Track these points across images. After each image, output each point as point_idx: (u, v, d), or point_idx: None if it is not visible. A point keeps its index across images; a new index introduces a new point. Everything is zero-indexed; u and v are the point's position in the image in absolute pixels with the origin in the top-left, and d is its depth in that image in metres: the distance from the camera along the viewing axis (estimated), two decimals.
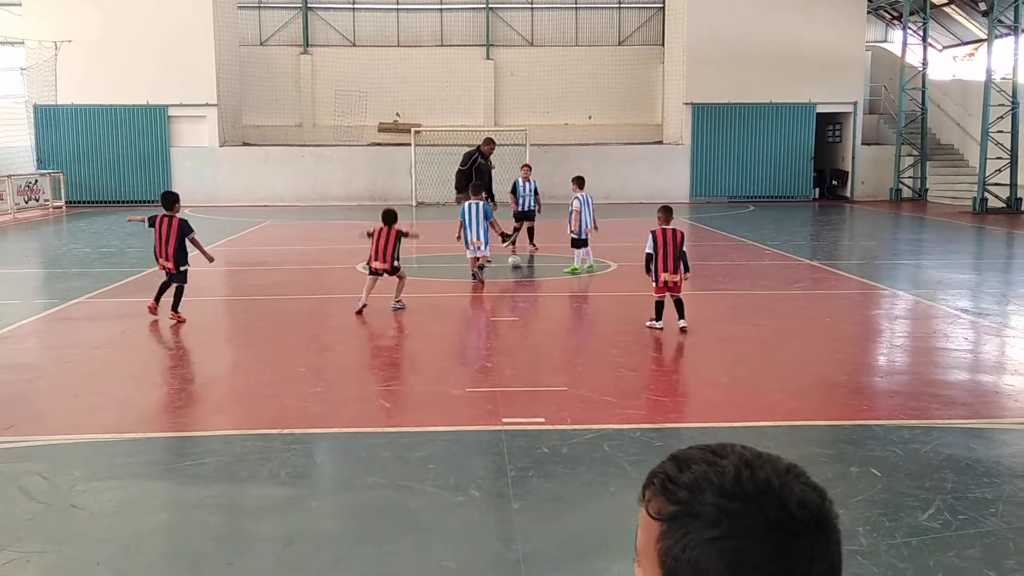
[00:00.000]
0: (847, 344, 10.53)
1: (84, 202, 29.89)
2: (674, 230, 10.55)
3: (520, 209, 17.29)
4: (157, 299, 11.68)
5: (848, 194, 32.73)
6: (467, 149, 17.44)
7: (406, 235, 12.35)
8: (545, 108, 33.78)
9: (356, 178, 31.08)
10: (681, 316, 10.48)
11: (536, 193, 17.59)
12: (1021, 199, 27.29)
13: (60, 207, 29.32)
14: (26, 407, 7.93)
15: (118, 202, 29.63)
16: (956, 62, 34.01)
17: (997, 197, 27.61)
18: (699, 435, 7.29)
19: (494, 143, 17.15)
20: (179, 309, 11.45)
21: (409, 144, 30.14)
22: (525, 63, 34.66)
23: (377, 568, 4.88)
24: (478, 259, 14.13)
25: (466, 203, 14.32)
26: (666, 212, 10.78)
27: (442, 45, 34.94)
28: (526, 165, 18.53)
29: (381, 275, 12.08)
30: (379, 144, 32.64)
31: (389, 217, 12.27)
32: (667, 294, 10.60)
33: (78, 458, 6.68)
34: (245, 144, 32.59)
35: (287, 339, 10.68)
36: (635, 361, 9.71)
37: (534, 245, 17.63)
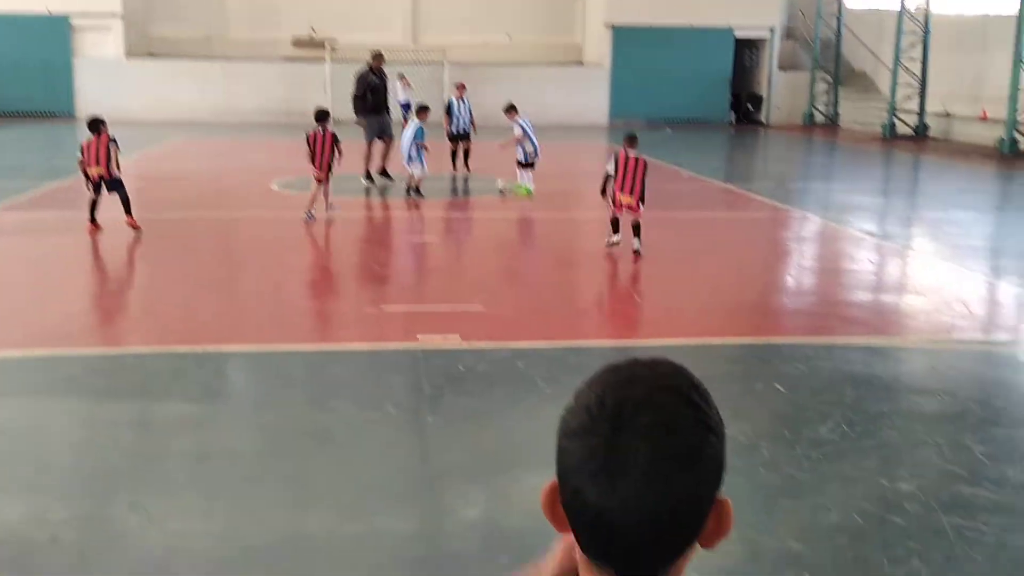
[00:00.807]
0: (757, 265, 10.77)
1: None
2: (637, 158, 10.53)
3: (454, 131, 16.99)
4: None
5: (763, 119, 33.13)
6: (359, 69, 16.78)
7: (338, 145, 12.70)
8: (464, 26, 33.21)
9: (269, 94, 30.26)
10: (637, 236, 10.43)
11: (471, 113, 17.30)
12: (928, 126, 27.99)
13: None
14: None
15: (17, 114, 28.43)
16: None
17: (906, 124, 28.26)
18: (612, 352, 7.42)
19: (382, 56, 16.69)
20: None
21: (324, 60, 29.43)
22: None
23: (292, 483, 4.91)
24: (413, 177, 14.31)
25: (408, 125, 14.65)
26: (632, 140, 10.90)
27: None
28: (460, 84, 18.13)
29: (322, 183, 12.41)
30: (293, 59, 31.78)
31: (322, 115, 12.72)
32: (623, 213, 10.59)
33: None
34: (152, 56, 31.42)
35: (199, 256, 10.49)
36: (552, 281, 9.79)
37: (468, 167, 17.28)
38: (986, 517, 4.59)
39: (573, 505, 1.12)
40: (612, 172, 10.61)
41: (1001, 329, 8.21)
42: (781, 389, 6.44)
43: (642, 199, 10.42)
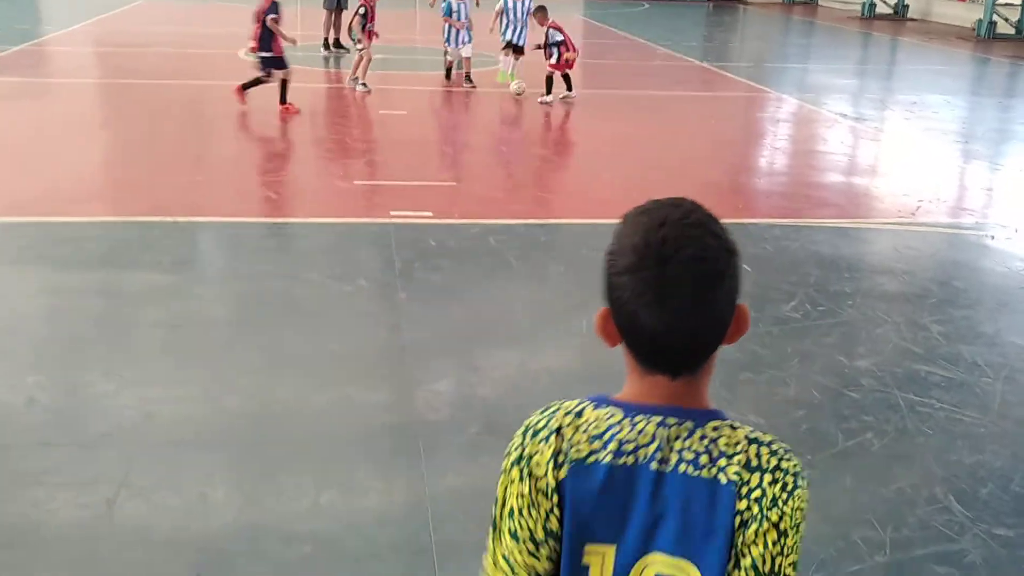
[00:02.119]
0: (729, 145, 10.77)
1: None
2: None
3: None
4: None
5: None
6: None
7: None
8: None
9: None
10: (570, 88, 12.29)
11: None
12: (908, 6, 27.63)
13: None
14: None
15: None
16: None
17: (886, 3, 27.87)
18: (582, 230, 7.48)
19: None
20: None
21: None
22: None
23: (265, 351, 4.98)
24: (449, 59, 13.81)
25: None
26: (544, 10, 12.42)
27: None
28: None
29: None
30: None
31: None
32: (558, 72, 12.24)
33: None
34: None
35: (166, 127, 10.31)
36: (523, 159, 9.75)
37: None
38: (939, 394, 4.76)
39: (629, 328, 1.35)
40: (562, 37, 12.25)
41: (967, 212, 8.33)
42: (748, 269, 6.54)
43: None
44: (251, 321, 5.42)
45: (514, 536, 1.39)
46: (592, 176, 9.06)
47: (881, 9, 27.79)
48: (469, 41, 13.08)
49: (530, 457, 1.40)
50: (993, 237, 7.57)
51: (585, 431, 1.38)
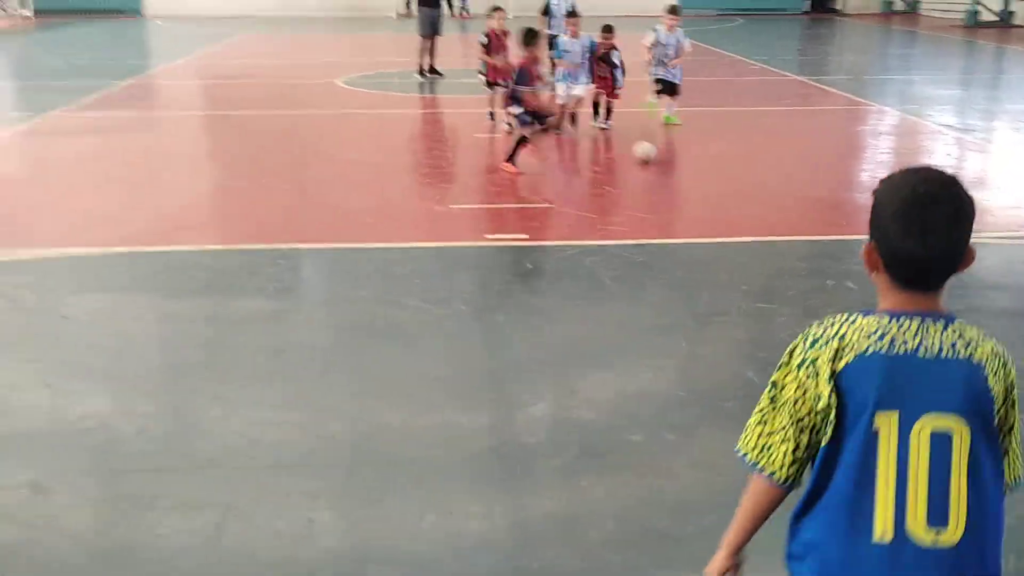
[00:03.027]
0: (830, 160, 10.55)
1: (53, 11, 28.83)
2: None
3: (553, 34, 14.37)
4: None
5: (839, 7, 31.93)
6: None
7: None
8: None
9: None
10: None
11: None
12: (1013, 12, 26.72)
13: (29, 17, 28.32)
14: (9, 222, 7.94)
15: (87, 11, 28.62)
16: None
17: (990, 10, 27.01)
18: (680, 250, 7.41)
19: None
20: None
21: None
22: None
23: (365, 376, 5.04)
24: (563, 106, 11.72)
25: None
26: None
27: None
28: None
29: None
30: None
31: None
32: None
33: (66, 272, 6.74)
34: None
35: (269, 155, 10.59)
36: (617, 179, 9.72)
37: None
38: None
39: (896, 257, 1.85)
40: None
41: (1007, 225, 7.99)
42: (853, 287, 6.38)
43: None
44: (352, 346, 5.51)
45: (792, 416, 1.90)
46: (688, 195, 8.97)
47: (985, 16, 26.94)
48: (587, 82, 11.56)
49: (814, 359, 1.87)
50: None
51: (861, 331, 1.86)
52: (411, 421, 4.56)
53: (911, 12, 31.00)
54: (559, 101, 11.39)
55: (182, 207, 8.44)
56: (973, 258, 1.87)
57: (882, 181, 1.91)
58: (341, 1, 29.82)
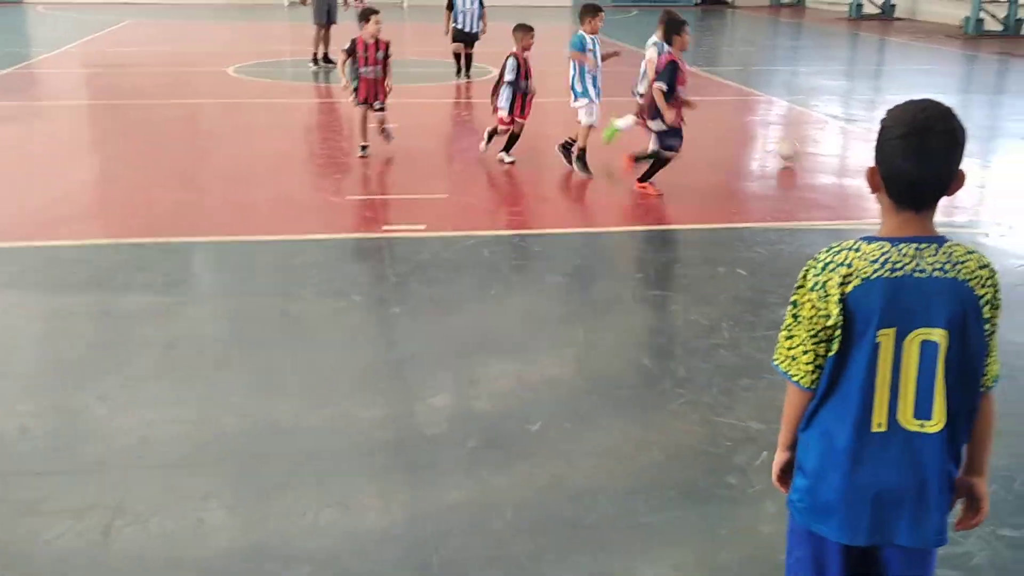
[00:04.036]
0: (721, 150, 10.77)
1: None
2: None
3: (459, 28, 14.63)
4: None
5: (730, 0, 32.62)
6: None
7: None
8: None
9: None
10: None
11: (481, 6, 14.67)
12: (895, 5, 27.70)
13: None
14: None
15: None
16: None
17: (873, 3, 27.95)
18: (577, 239, 7.47)
19: None
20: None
21: None
22: None
23: (260, 370, 4.94)
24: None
25: None
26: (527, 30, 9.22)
27: None
28: None
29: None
30: None
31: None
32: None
33: None
34: None
35: (157, 145, 10.29)
36: (516, 169, 9.73)
37: (468, 77, 14.96)
38: None
39: (895, 176, 2.14)
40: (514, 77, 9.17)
41: (960, 210, 8.32)
42: (743, 273, 6.53)
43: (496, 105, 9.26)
44: (245, 340, 5.39)
45: (809, 331, 2.21)
46: (584, 184, 9.03)
47: (868, 9, 27.87)
48: (597, 99, 9.27)
49: (824, 282, 2.16)
50: (987, 235, 7.57)
51: (865, 258, 2.14)
52: (307, 415, 4.49)
53: (798, 5, 31.86)
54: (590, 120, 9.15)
55: (66, 200, 8.13)
56: (964, 181, 2.16)
57: (889, 111, 2.18)
58: None
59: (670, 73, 8.22)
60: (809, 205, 8.44)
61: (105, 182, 9.03)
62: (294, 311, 5.76)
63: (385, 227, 7.40)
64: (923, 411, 2.18)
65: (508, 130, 9.36)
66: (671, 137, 8.34)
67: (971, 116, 13.02)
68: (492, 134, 9.55)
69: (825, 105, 13.51)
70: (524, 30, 9.25)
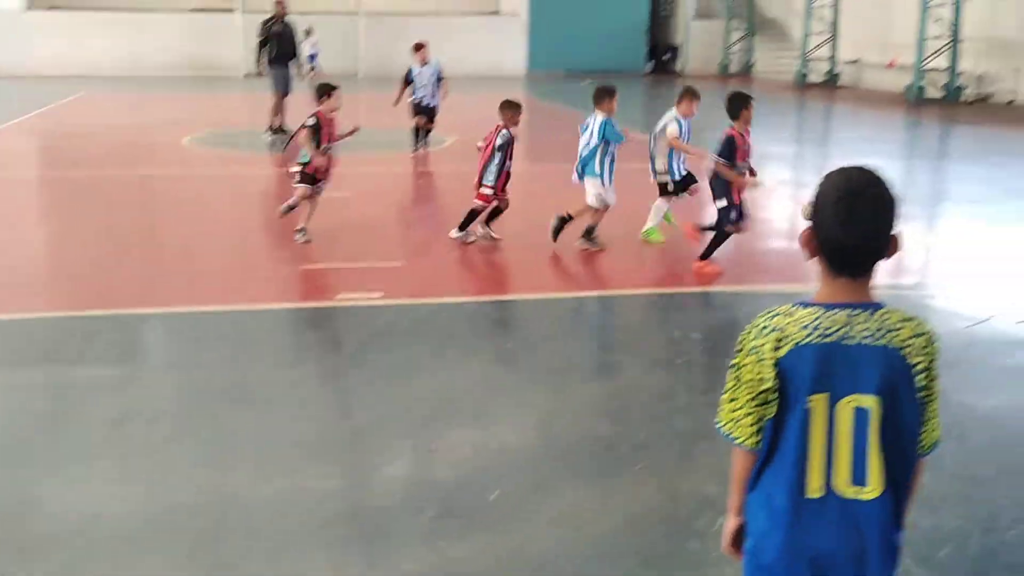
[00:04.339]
0: (675, 213, 10.90)
1: None
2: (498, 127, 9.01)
3: (419, 101, 14.12)
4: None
5: (679, 68, 33.37)
6: (264, 17, 16.22)
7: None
8: None
9: (178, 47, 29.43)
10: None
11: (439, 80, 14.06)
12: (839, 74, 28.50)
13: None
14: None
15: None
16: None
17: (818, 71, 28.73)
18: (536, 305, 7.49)
19: (284, 3, 15.72)
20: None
21: (235, 10, 28.66)
22: None
23: (213, 443, 4.87)
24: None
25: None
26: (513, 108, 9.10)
27: None
28: (420, 44, 14.20)
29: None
30: (202, 10, 30.90)
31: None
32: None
33: None
34: (54, 8, 30.23)
35: (109, 216, 10.22)
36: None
37: (426, 145, 14.45)
38: None
39: (827, 241, 2.16)
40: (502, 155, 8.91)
41: (907, 273, 8.49)
42: (698, 337, 6.58)
43: (482, 179, 8.90)
44: (198, 412, 5.31)
45: (749, 394, 2.22)
46: (539, 251, 9.09)
47: (814, 78, 28.63)
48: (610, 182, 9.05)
49: (760, 347, 2.18)
50: (934, 297, 7.71)
51: (798, 323, 2.17)
52: (261, 487, 4.42)
53: (746, 73, 32.66)
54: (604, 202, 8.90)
55: (14, 272, 8.02)
56: (900, 244, 2.18)
57: (823, 176, 2.21)
58: (187, 60, 29.28)
59: (728, 148, 8.14)
60: (760, 269, 8.56)
61: (55, 254, 8.93)
62: (248, 382, 5.70)
63: (341, 295, 7.37)
64: (859, 477, 2.18)
65: (486, 207, 9.03)
66: (732, 213, 8.11)
67: (916, 180, 13.35)
68: (471, 217, 9.00)
69: (775, 170, 13.78)
70: (514, 107, 9.05)
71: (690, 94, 9.34)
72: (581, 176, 8.91)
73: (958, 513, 4.24)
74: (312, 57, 25.35)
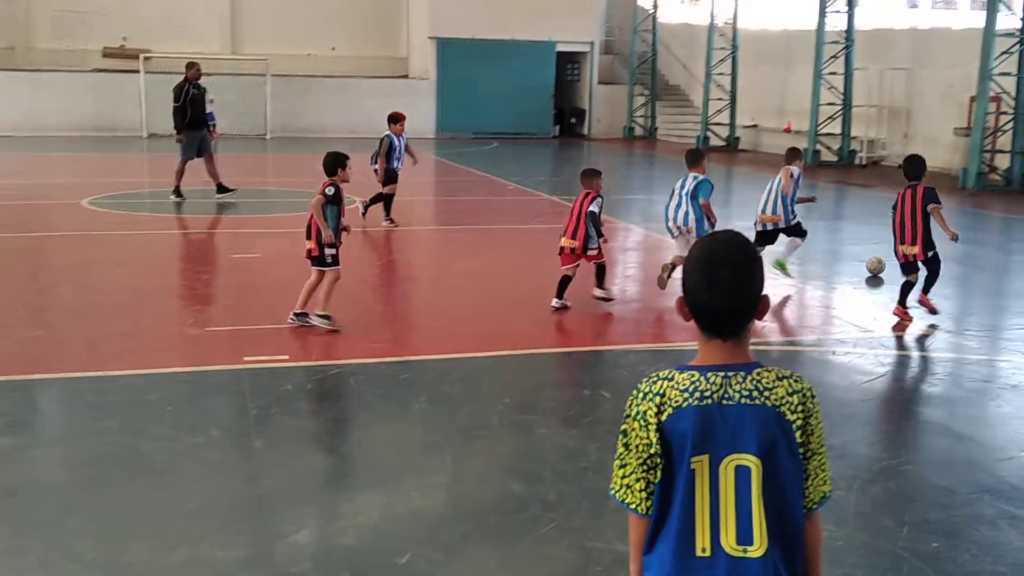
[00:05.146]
0: (582, 275, 11.02)
1: None
2: (587, 194, 9.21)
3: (397, 168, 13.47)
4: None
5: (586, 131, 34.02)
6: (177, 81, 16.02)
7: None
8: (286, 37, 32.63)
9: (79, 107, 28.81)
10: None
11: (407, 150, 13.70)
12: (739, 138, 29.42)
13: None
14: None
15: None
16: (684, 6, 35.83)
17: (718, 136, 29.61)
18: (444, 365, 7.44)
19: (198, 66, 15.73)
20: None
21: (138, 71, 28.29)
22: None
23: (110, 514, 4.68)
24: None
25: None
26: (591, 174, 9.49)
27: None
28: (398, 115, 13.79)
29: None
30: (105, 70, 30.41)
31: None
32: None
33: None
34: None
35: (5, 280, 9.87)
36: (381, 296, 9.73)
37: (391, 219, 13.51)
38: None
39: (694, 306, 2.25)
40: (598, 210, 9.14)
41: (808, 329, 8.71)
42: (607, 395, 6.62)
43: (588, 239, 9.02)
44: (95, 482, 5.11)
45: (638, 458, 2.26)
46: (450, 310, 9.08)
47: (715, 141, 29.49)
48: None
49: (644, 411, 2.24)
50: (834, 352, 7.92)
51: (677, 387, 2.23)
52: (161, 559, 4.25)
53: (650, 136, 33.46)
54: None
55: None
56: (768, 306, 2.27)
57: (693, 245, 2.33)
58: (88, 121, 28.68)
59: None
60: (667, 327, 8.68)
61: None
62: (148, 449, 5.51)
63: (246, 358, 7.22)
64: (744, 536, 2.21)
65: (577, 265, 9.04)
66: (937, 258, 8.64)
67: (815, 240, 13.76)
68: (602, 271, 9.25)
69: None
70: (599, 174, 9.51)
71: (794, 152, 11.12)
72: (682, 229, 9.70)
73: (863, 565, 4.31)
74: (210, 117, 25.11)
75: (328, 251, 7.90)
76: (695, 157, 10.10)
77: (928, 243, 8.49)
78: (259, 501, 4.91)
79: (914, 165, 8.79)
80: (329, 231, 7.87)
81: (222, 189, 15.51)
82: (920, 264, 8.59)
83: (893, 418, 6.40)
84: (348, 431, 5.93)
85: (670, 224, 9.82)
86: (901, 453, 5.80)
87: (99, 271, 10.51)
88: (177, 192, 15.40)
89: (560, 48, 32.70)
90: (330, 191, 7.90)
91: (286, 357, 7.25)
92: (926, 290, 8.71)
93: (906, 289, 8.68)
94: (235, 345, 7.71)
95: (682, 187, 9.76)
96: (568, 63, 34.02)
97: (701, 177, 9.72)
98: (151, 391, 6.49)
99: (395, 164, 13.46)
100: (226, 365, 7.15)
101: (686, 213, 9.61)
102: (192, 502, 4.83)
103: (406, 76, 33.29)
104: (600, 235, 9.00)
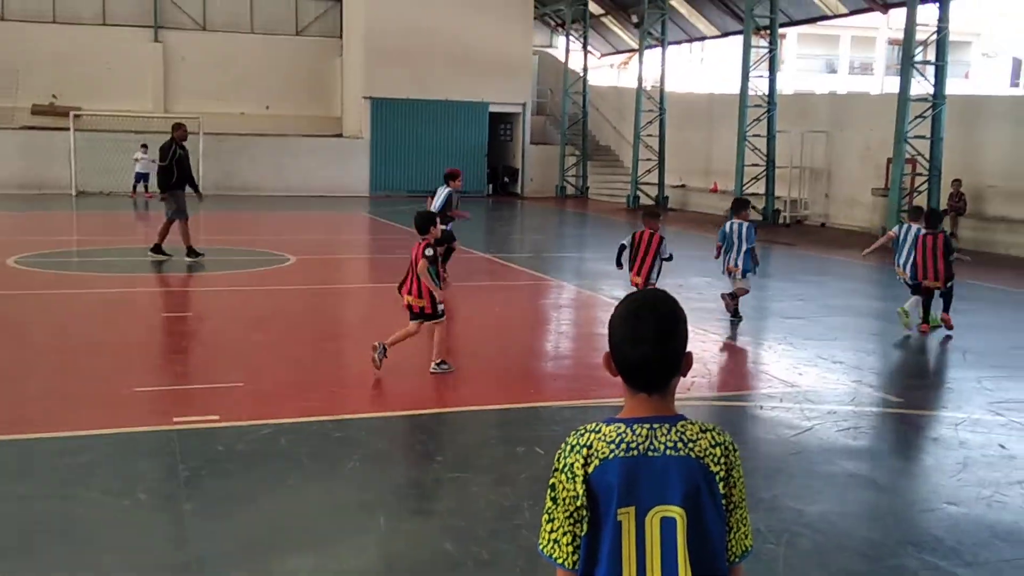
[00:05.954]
0: (516, 332, 11.11)
1: None
2: (652, 233, 10.39)
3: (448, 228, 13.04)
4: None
5: (519, 190, 34.40)
6: (165, 141, 15.88)
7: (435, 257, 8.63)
8: (220, 96, 32.58)
9: (6, 164, 28.32)
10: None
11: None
12: (668, 197, 30.01)
13: None
14: None
15: None
16: (613, 69, 36.66)
17: (647, 195, 30.18)
18: (378, 423, 7.42)
19: (185, 127, 15.74)
20: None
21: (68, 128, 27.95)
22: (197, 48, 33.34)
23: None
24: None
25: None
26: (652, 215, 10.70)
27: (104, 24, 32.76)
28: (455, 171, 14.04)
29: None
30: (34, 128, 29.99)
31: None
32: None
33: None
34: None
35: None
36: (313, 354, 9.68)
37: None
38: None
39: (620, 361, 2.31)
40: (627, 244, 10.59)
41: (734, 385, 8.87)
42: (541, 452, 6.65)
43: (648, 279, 10.40)
44: (14, 550, 4.97)
45: (565, 512, 2.27)
46: (387, 369, 9.06)
47: (644, 200, 30.03)
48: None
49: (571, 464, 2.27)
50: (761, 407, 8.08)
51: (604, 439, 2.27)
52: None
53: (582, 195, 33.95)
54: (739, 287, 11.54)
55: None
56: (691, 363, 2.36)
57: (620, 301, 2.40)
58: (15, 178, 28.18)
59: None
60: (601, 383, 8.77)
61: None
62: (72, 513, 5.38)
63: (176, 419, 7.11)
64: None
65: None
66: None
67: (745, 297, 14.05)
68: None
69: (610, 289, 14.26)
70: (655, 214, 10.74)
71: (920, 210, 12.15)
72: (743, 274, 11.37)
73: None
74: (144, 176, 24.94)
75: (439, 306, 8.49)
76: (742, 205, 11.69)
77: (949, 276, 10.75)
78: (186, 566, 4.83)
79: (936, 216, 11.32)
80: (439, 289, 8.42)
81: (192, 252, 15.31)
82: (936, 292, 10.84)
83: (820, 471, 6.54)
84: (280, 492, 5.87)
85: (729, 265, 11.49)
86: (828, 506, 5.92)
87: (25, 331, 10.29)
88: (158, 249, 15.18)
89: (493, 109, 33.13)
90: (429, 252, 8.33)
91: (216, 417, 7.17)
92: (946, 309, 10.85)
93: (926, 307, 10.90)
94: (165, 406, 7.60)
95: (738, 234, 11.27)
96: (501, 123, 34.47)
97: (747, 224, 11.35)
98: (78, 454, 6.35)
99: (450, 225, 13.15)
100: (156, 426, 7.03)
101: (744, 254, 11.27)
102: (118, 568, 4.73)
103: (340, 135, 33.41)
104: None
